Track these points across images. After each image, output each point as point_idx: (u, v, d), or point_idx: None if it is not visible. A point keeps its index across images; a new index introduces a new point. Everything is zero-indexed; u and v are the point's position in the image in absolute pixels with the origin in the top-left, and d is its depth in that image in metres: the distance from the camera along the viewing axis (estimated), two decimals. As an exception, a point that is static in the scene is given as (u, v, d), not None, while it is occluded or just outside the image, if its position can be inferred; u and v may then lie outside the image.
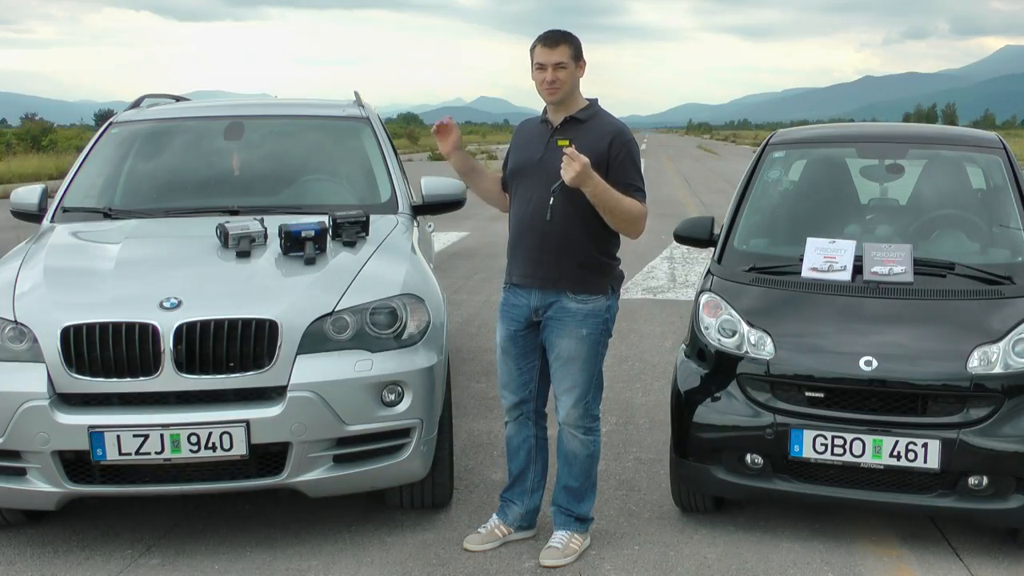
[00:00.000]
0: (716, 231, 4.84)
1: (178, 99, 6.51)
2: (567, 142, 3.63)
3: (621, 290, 4.04)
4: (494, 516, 4.16)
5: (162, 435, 3.66)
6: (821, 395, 3.93)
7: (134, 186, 5.42)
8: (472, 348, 7.45)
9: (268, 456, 3.80)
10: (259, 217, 4.49)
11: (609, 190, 3.68)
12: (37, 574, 3.86)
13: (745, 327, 4.14)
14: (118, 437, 3.65)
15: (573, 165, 3.57)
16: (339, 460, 3.87)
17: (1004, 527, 4.05)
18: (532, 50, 3.81)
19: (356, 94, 6.24)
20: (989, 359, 3.87)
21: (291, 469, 3.79)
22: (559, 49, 3.75)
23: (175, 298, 3.80)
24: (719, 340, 4.18)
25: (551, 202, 3.72)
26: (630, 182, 3.77)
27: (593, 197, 3.67)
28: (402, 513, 4.38)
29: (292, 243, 4.25)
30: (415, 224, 5.26)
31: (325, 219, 4.43)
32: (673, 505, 4.46)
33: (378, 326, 3.96)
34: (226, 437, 3.68)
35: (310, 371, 3.78)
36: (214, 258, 4.28)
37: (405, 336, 4.00)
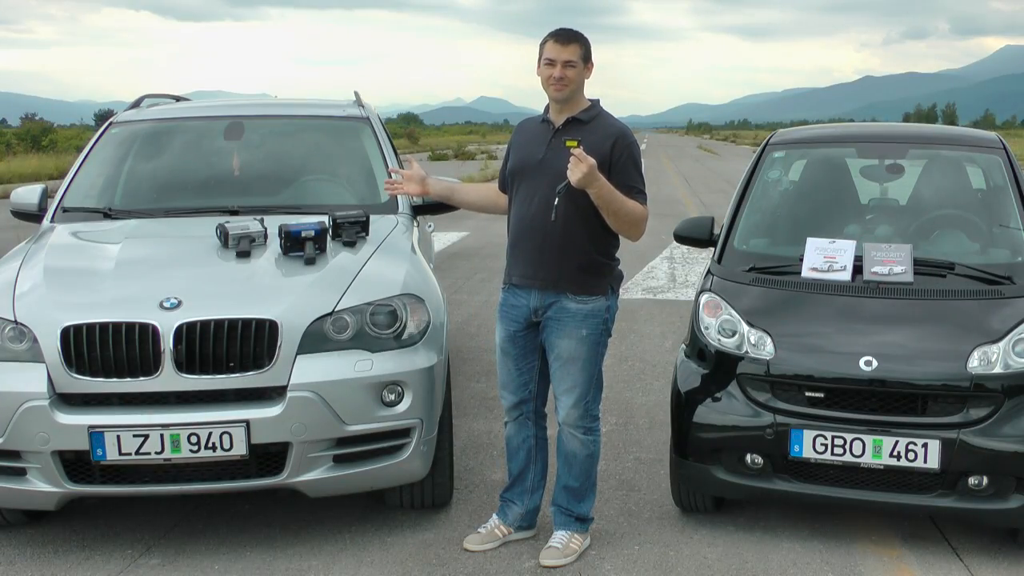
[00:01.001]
0: (716, 231, 4.84)
1: (178, 99, 6.51)
2: (576, 143, 3.60)
3: (621, 290, 4.05)
4: (494, 516, 4.16)
5: (162, 435, 3.66)
6: (821, 395, 3.93)
7: (134, 186, 5.41)
8: (472, 348, 7.46)
9: (268, 456, 3.80)
10: (259, 217, 4.49)
11: (614, 192, 3.68)
12: (37, 574, 3.86)
13: (745, 327, 4.14)
14: (118, 437, 3.65)
15: (580, 166, 3.56)
16: (339, 460, 3.87)
17: (1004, 527, 4.05)
18: (542, 45, 3.80)
19: (356, 94, 6.25)
20: (989, 359, 3.87)
21: (291, 469, 3.79)
22: (570, 47, 3.75)
23: (175, 298, 3.79)
24: (719, 340, 4.18)
25: (555, 202, 3.72)
26: (632, 184, 3.77)
27: (598, 199, 3.67)
28: (402, 513, 4.38)
29: (292, 243, 4.25)
30: (415, 224, 5.26)
31: (325, 219, 4.43)
32: (673, 505, 4.46)
33: (378, 326, 3.96)
34: (226, 437, 3.68)
35: (310, 371, 3.78)
36: (214, 258, 4.28)
37: (405, 336, 4.00)
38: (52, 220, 5.09)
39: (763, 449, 3.97)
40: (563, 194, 3.69)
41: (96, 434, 3.64)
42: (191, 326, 3.72)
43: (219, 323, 3.74)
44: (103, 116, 56.07)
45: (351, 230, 4.47)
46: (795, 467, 3.95)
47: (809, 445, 3.86)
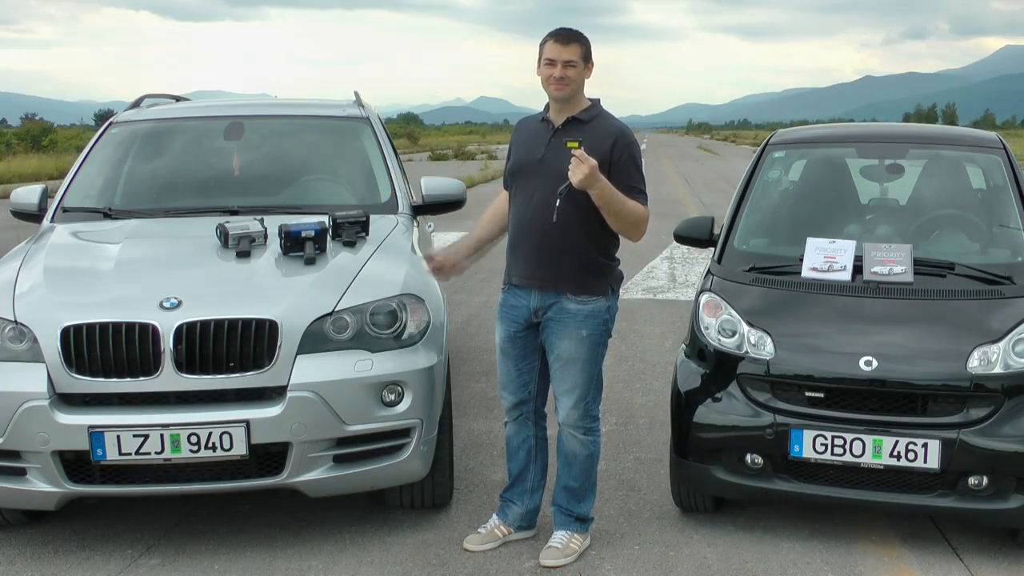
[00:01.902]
0: (716, 231, 4.84)
1: (178, 99, 6.51)
2: (577, 143, 3.59)
3: (621, 290, 4.05)
4: (494, 516, 4.16)
5: (162, 435, 3.66)
6: (821, 395, 3.93)
7: (134, 186, 5.42)
8: (472, 348, 7.45)
9: (268, 456, 3.80)
10: (259, 217, 4.49)
11: (615, 192, 3.67)
12: (37, 574, 3.86)
13: (745, 327, 4.14)
14: (118, 437, 3.65)
15: (582, 167, 3.56)
16: (339, 460, 3.87)
17: (1004, 527, 4.05)
18: (542, 45, 3.79)
19: (356, 94, 6.25)
20: (989, 359, 3.87)
21: (291, 469, 3.79)
22: (571, 47, 3.75)
23: (175, 298, 3.80)
24: (719, 340, 4.18)
25: (557, 203, 3.71)
26: (632, 184, 3.76)
27: (599, 199, 3.66)
28: (402, 513, 4.38)
29: (292, 243, 4.25)
30: (415, 224, 5.26)
31: (325, 219, 4.43)
32: (673, 505, 4.46)
33: (378, 326, 3.96)
34: (226, 437, 3.68)
35: (310, 371, 3.78)
36: (214, 258, 4.28)
37: (405, 336, 4.00)
38: (52, 220, 5.09)
39: (763, 449, 3.97)
40: (564, 195, 3.69)
41: (96, 434, 3.65)
42: (191, 326, 3.72)
43: (219, 323, 3.74)
44: (103, 116, 56.06)
45: (351, 230, 4.47)
46: (795, 467, 3.95)
47: (809, 445, 3.86)
